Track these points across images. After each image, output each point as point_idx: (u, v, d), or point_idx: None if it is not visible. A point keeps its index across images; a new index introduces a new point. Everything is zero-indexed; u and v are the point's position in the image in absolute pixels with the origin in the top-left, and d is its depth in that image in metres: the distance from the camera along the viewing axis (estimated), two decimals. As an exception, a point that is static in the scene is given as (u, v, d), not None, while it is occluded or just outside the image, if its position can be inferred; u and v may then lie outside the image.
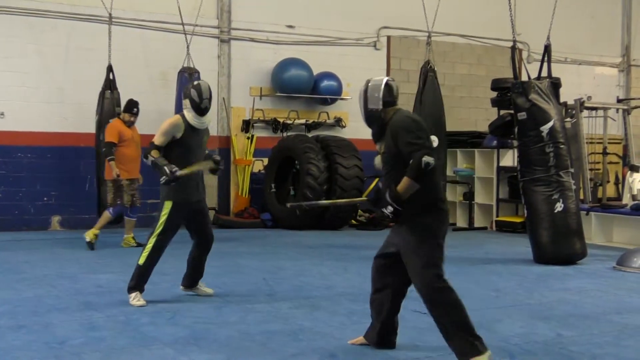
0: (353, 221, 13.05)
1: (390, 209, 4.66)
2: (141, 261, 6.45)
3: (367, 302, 6.61)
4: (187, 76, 11.79)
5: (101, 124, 11.13)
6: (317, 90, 13.57)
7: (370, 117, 4.90)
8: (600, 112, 13.15)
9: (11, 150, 11.53)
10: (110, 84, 11.15)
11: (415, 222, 4.67)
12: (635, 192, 11.30)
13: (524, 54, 15.60)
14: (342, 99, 13.86)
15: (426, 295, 4.69)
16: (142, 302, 6.40)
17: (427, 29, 11.33)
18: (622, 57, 17.80)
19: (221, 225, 12.51)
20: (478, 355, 4.56)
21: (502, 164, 12.91)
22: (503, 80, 11.96)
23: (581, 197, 11.44)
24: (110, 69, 11.19)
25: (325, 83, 13.53)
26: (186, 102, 6.48)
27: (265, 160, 13.21)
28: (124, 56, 11.72)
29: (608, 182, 13.58)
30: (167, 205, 6.39)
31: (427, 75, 10.82)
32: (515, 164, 10.43)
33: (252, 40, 13.43)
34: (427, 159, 4.52)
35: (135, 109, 10.05)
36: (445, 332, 4.67)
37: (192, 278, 6.83)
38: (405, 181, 4.58)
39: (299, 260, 9.08)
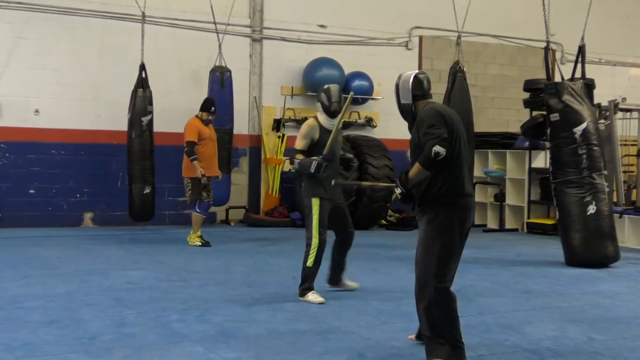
0: (383, 221, 13.02)
1: (399, 190, 4.77)
2: (309, 263, 6.65)
3: (395, 301, 6.63)
4: (219, 75, 11.87)
5: (133, 122, 11.24)
6: (348, 89, 13.51)
7: (403, 112, 5.00)
8: (635, 114, 13.01)
9: (45, 147, 11.66)
10: (142, 82, 11.25)
11: (433, 214, 4.68)
12: (669, 195, 11.15)
13: (557, 55, 15.43)
14: (373, 98, 13.83)
15: (418, 288, 4.71)
16: (320, 298, 6.55)
17: (457, 29, 11.27)
18: (658, 58, 17.56)
19: (251, 224, 12.56)
20: None
21: (533, 165, 12.80)
22: (536, 81, 11.91)
23: (614, 199, 11.31)
24: (142, 67, 11.29)
25: (357, 83, 13.50)
26: (317, 106, 6.83)
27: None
28: (156, 55, 11.81)
29: (642, 184, 13.41)
30: (315, 202, 6.66)
31: (456, 76, 10.77)
32: (547, 165, 10.34)
33: (284, 39, 13.46)
34: (437, 148, 4.52)
35: (212, 108, 10.06)
36: (425, 328, 4.69)
37: (337, 276, 7.06)
38: (416, 167, 4.64)
39: (328, 259, 9.05)
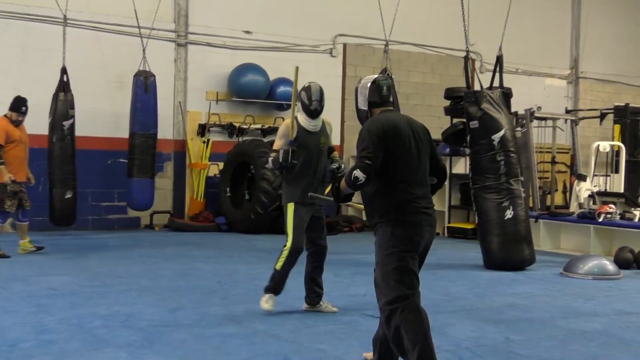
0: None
1: (332, 198, 4.66)
2: (278, 266, 6.30)
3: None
4: (143, 79, 11.77)
5: (54, 126, 11.04)
6: (273, 95, 13.61)
7: (360, 118, 4.67)
8: (550, 122, 13.45)
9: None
10: (64, 86, 11.06)
11: (381, 232, 4.39)
12: (582, 201, 11.56)
13: (477, 64, 15.85)
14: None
15: (384, 320, 4.41)
16: (270, 305, 6.29)
17: (385, 38, 11.47)
18: (571, 69, 18.23)
19: (176, 229, 12.47)
20: None
21: (454, 171, 13.09)
22: (456, 89, 12.19)
23: (530, 204, 11.66)
24: (64, 70, 11.10)
25: (282, 89, 13.57)
26: (298, 105, 6.49)
27: (221, 165, 13.21)
28: (79, 58, 11.62)
29: (556, 190, 13.89)
30: (290, 207, 6.31)
31: (384, 83, 10.92)
32: (467, 171, 10.59)
33: (209, 44, 13.43)
34: (357, 173, 4.23)
35: (23, 107, 9.39)
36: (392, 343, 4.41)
37: (315, 298, 6.53)
38: (342, 182, 4.46)
39: (253, 264, 9.11)
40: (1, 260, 8.98)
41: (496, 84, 9.95)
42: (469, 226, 12.50)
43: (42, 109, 11.17)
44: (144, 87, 11.74)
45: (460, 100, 10.93)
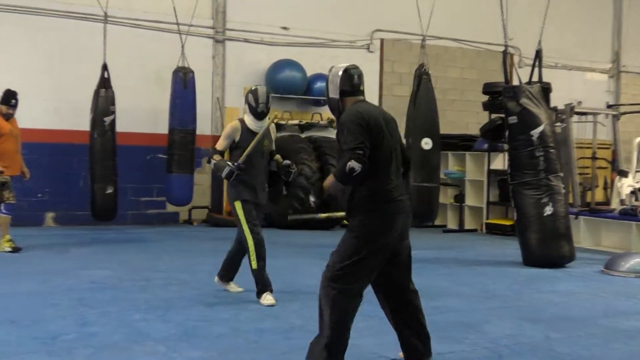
0: (345, 222, 13.07)
1: (312, 198, 4.64)
2: (254, 265, 6.52)
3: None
4: (182, 76, 11.86)
5: (95, 122, 11.19)
6: (310, 91, 13.63)
7: (331, 107, 4.68)
8: (590, 117, 13.27)
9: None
10: (105, 83, 11.21)
11: (358, 221, 4.43)
12: (623, 197, 11.40)
13: (515, 59, 15.70)
14: (335, 100, 13.90)
15: (321, 287, 4.47)
16: (274, 300, 6.48)
17: (422, 32, 11.40)
18: (612, 63, 17.95)
19: (214, 224, 12.57)
20: None
21: (492, 167, 13.00)
22: (494, 85, 12.08)
23: (570, 201, 11.53)
24: (105, 67, 11.25)
25: (319, 84, 13.57)
26: (245, 107, 6.72)
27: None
28: (119, 55, 11.76)
29: (597, 186, 13.69)
30: (237, 205, 6.57)
31: (422, 78, 10.88)
32: (506, 167, 10.51)
33: (247, 41, 13.49)
34: (352, 164, 4.20)
35: (13, 100, 9.33)
36: (319, 326, 4.49)
37: (228, 275, 7.00)
38: (330, 178, 4.48)
39: (291, 259, 9.14)
40: (43, 254, 9.13)
41: (535, 78, 9.85)
42: (508, 222, 12.39)
43: (84, 106, 11.35)
44: (183, 83, 11.83)
45: (498, 96, 10.83)
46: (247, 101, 6.70)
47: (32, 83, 11.67)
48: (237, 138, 6.61)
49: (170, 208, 12.68)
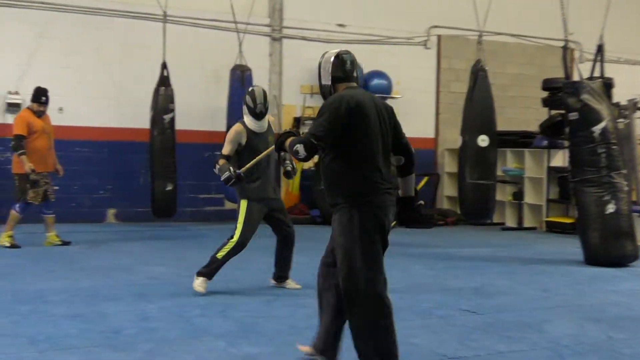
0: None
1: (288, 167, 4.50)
2: (220, 255, 6.66)
3: (412, 298, 6.68)
4: (240, 74, 11.96)
5: (155, 120, 11.36)
6: (367, 88, 13.59)
7: (323, 94, 4.50)
8: (655, 113, 12.95)
9: (69, 144, 11.80)
10: (164, 81, 11.38)
11: (348, 216, 4.22)
12: (689, 195, 11.11)
13: (576, 54, 15.40)
14: (391, 97, 13.87)
15: (345, 301, 4.28)
16: (203, 289, 6.60)
17: (478, 28, 11.29)
18: (678, 57, 17.48)
19: (271, 221, 12.64)
20: None
21: (552, 164, 12.79)
22: (554, 80, 11.91)
23: (633, 198, 11.29)
24: (164, 66, 11.42)
25: (375, 81, 13.56)
26: (244, 109, 6.79)
27: (316, 158, 13.24)
28: (178, 53, 11.91)
29: (662, 184, 13.35)
30: (243, 204, 6.69)
31: (478, 75, 10.78)
32: (566, 164, 10.34)
33: (303, 38, 13.53)
34: (298, 147, 4.17)
35: (43, 98, 9.40)
36: (354, 332, 4.27)
37: (279, 275, 7.10)
38: (288, 141, 4.40)
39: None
40: (104, 250, 9.31)
41: (597, 74, 9.66)
42: (568, 220, 12.17)
43: (144, 104, 11.54)
44: (241, 81, 11.92)
45: (558, 91, 10.67)
46: (244, 102, 6.78)
47: (93, 82, 11.91)
48: (244, 141, 6.69)
49: (228, 205, 12.79)
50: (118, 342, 5.05)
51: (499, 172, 12.78)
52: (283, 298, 6.62)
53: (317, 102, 13.61)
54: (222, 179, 6.52)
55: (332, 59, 4.42)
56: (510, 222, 13.47)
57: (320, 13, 13.58)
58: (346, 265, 4.21)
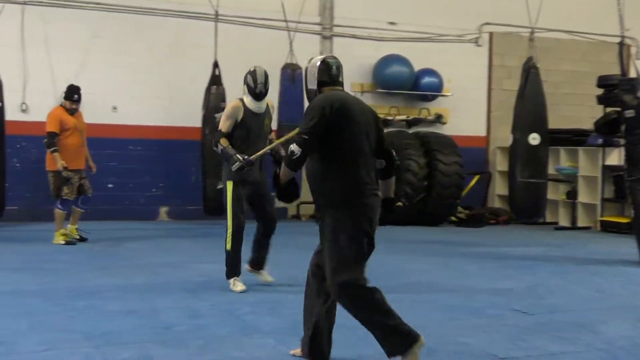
0: (453, 217, 12.97)
1: (275, 192, 4.51)
2: (228, 247, 6.69)
3: (466, 297, 6.63)
4: (290, 72, 12.00)
5: (207, 119, 11.46)
6: (418, 86, 13.54)
7: (309, 98, 4.57)
8: None
9: (122, 143, 11.99)
10: (215, 80, 11.47)
11: (330, 215, 4.30)
12: None
13: (633, 50, 15.08)
14: (443, 95, 13.79)
15: (335, 296, 4.38)
16: (242, 287, 6.64)
17: (530, 25, 11.13)
18: None
19: (321, 220, 12.66)
20: (412, 347, 4.26)
21: (607, 162, 12.56)
22: (610, 77, 11.68)
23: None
24: (216, 64, 11.51)
25: (426, 79, 13.49)
26: (244, 88, 6.77)
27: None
28: (229, 52, 12.00)
29: None
30: (229, 186, 6.64)
31: (529, 72, 10.65)
32: (622, 162, 10.14)
33: (354, 36, 13.51)
34: (292, 147, 4.21)
35: (76, 96, 9.53)
36: (375, 332, 4.35)
37: (256, 261, 7.07)
38: (282, 166, 4.37)
39: (398, 255, 9.11)
40: (156, 247, 9.43)
41: (654, 70, 9.45)
42: (624, 220, 11.92)
43: (196, 102, 11.64)
44: (291, 79, 11.97)
45: (614, 89, 10.47)
46: (245, 82, 6.75)
47: (145, 81, 12.07)
48: (240, 117, 6.62)
49: (279, 203, 12.76)
50: (169, 338, 5.10)
51: (551, 171, 12.61)
52: (333, 296, 6.61)
53: (367, 100, 13.58)
54: (234, 169, 6.40)
55: (318, 63, 4.50)
56: (564, 221, 13.26)
57: (371, 11, 13.55)
58: (335, 262, 4.28)
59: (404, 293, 6.70)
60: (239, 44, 12.50)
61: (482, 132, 14.60)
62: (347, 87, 13.26)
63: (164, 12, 12.22)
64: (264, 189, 6.88)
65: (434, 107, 13.99)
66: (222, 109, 11.35)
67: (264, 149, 6.57)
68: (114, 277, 7.30)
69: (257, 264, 7.07)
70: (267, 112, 6.88)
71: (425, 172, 12.25)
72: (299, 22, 12.50)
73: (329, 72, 4.49)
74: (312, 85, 4.51)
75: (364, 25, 13.51)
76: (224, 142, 6.58)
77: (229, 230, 6.66)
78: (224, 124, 6.64)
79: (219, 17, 11.80)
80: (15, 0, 11.41)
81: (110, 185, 11.86)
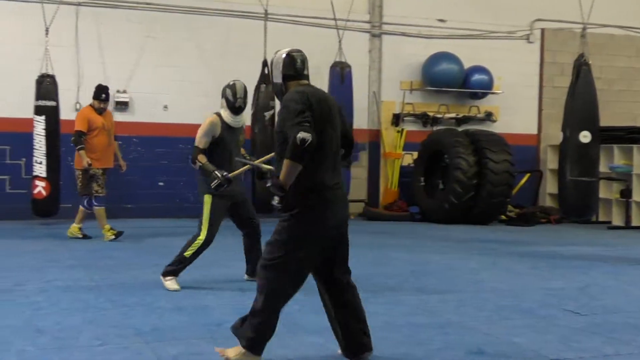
0: (502, 216, 12.84)
1: (277, 199, 4.35)
2: (187, 254, 6.64)
3: (515, 297, 6.55)
4: (339, 70, 12.01)
5: (256, 117, 11.53)
6: (467, 84, 13.44)
7: (276, 93, 4.56)
8: None
9: (173, 141, 12.13)
10: (265, 78, 11.53)
11: (295, 211, 4.28)
12: None
13: (690, 45, 14.75)
14: (493, 93, 13.65)
15: (259, 267, 4.44)
16: (177, 286, 6.60)
17: (582, 21, 10.94)
18: None
19: (370, 218, 12.65)
20: (254, 354, 4.34)
21: (662, 160, 12.31)
22: (666, 73, 11.41)
23: None
24: (265, 63, 11.57)
25: (476, 77, 13.38)
26: (222, 102, 6.72)
27: (415, 154, 13.22)
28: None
29: None
30: (207, 200, 6.59)
31: (581, 69, 10.46)
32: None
33: (403, 34, 13.46)
34: (302, 134, 4.01)
35: (103, 95, 9.63)
36: (252, 318, 4.39)
37: (252, 269, 6.99)
38: (285, 164, 4.12)
39: (447, 254, 9.05)
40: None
41: None
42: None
43: (245, 102, 11.71)
44: (340, 77, 11.98)
45: (670, 85, 10.22)
46: (224, 95, 6.68)
47: (194, 80, 12.20)
48: (217, 133, 6.58)
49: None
50: (219, 335, 5.12)
51: (604, 169, 12.39)
52: (379, 295, 6.60)
53: (417, 98, 13.52)
54: (213, 186, 6.32)
55: (283, 57, 4.49)
56: (617, 220, 13.02)
57: (420, 8, 13.48)
58: (270, 249, 4.34)
59: (453, 292, 6.66)
60: (288, 42, 12.46)
61: (533, 130, 14.42)
62: (396, 86, 13.34)
63: (214, 12, 12.33)
64: (242, 197, 6.89)
65: (484, 104, 13.86)
66: (272, 108, 11.50)
67: (243, 168, 6.47)
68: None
69: (254, 273, 7.03)
70: (242, 127, 6.88)
71: (474, 171, 12.14)
72: (348, 20, 12.49)
73: (294, 66, 4.49)
74: (278, 79, 4.50)
75: (413, 22, 13.45)
76: (201, 158, 6.53)
77: (199, 240, 6.61)
78: (200, 140, 6.59)
79: (268, 16, 11.86)
80: (69, 1, 11.62)
81: (161, 183, 12.02)
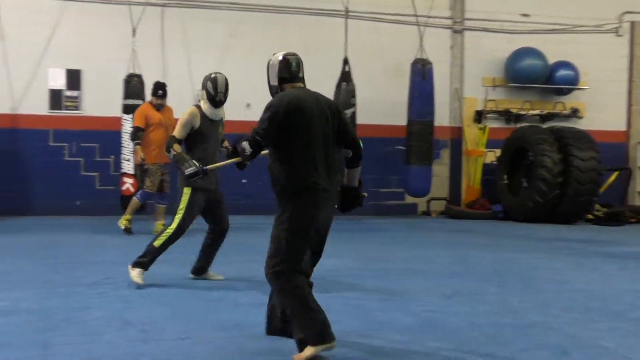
0: (589, 215, 12.53)
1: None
2: (157, 244, 6.60)
3: (603, 300, 6.38)
4: (420, 67, 11.94)
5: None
6: (552, 80, 13.17)
7: (272, 94, 4.71)
8: None
9: (256, 139, 12.26)
10: (345, 76, 11.56)
11: (282, 208, 4.46)
12: None
13: None
14: (579, 88, 13.34)
15: (267, 280, 4.57)
16: (141, 280, 6.53)
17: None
18: None
19: (452, 216, 12.54)
20: (322, 343, 4.38)
21: None
22: None
23: None
24: (346, 61, 11.59)
25: (561, 72, 13.10)
26: (202, 94, 6.72)
27: (498, 152, 13.03)
28: (359, 48, 12.06)
29: None
30: (187, 192, 6.57)
31: (676, 63, 10.12)
32: None
33: (486, 30, 13.28)
34: (244, 145, 4.42)
35: (160, 92, 9.72)
36: (291, 317, 4.54)
37: (202, 266, 6.96)
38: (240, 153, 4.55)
39: (531, 253, 8.90)
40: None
41: None
42: None
43: (326, 99, 11.76)
44: (422, 74, 11.90)
45: None
46: (204, 87, 6.67)
47: (278, 78, 12.28)
48: (197, 125, 6.58)
49: (409, 199, 12.82)
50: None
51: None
52: (462, 294, 6.53)
53: (499, 95, 13.31)
54: (187, 173, 6.20)
55: (279, 60, 4.67)
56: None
57: (503, 3, 13.28)
58: (271, 250, 4.47)
59: (537, 293, 6.55)
60: (368, 40, 12.55)
61: (622, 127, 14.02)
62: (478, 82, 13.17)
63: (296, 10, 12.42)
64: (219, 195, 6.86)
65: (570, 101, 13.55)
66: (353, 105, 11.52)
67: (222, 163, 6.32)
68: (244, 271, 7.46)
69: (203, 269, 6.99)
70: (222, 120, 6.88)
71: (559, 168, 11.88)
72: (429, 17, 12.40)
73: (289, 69, 4.67)
74: (274, 81, 4.68)
75: (496, 18, 13.26)
76: (176, 147, 6.50)
77: (171, 230, 6.58)
78: (178, 131, 6.61)
79: (349, 14, 11.87)
80: (155, 2, 11.89)
81: (244, 181, 12.18)
